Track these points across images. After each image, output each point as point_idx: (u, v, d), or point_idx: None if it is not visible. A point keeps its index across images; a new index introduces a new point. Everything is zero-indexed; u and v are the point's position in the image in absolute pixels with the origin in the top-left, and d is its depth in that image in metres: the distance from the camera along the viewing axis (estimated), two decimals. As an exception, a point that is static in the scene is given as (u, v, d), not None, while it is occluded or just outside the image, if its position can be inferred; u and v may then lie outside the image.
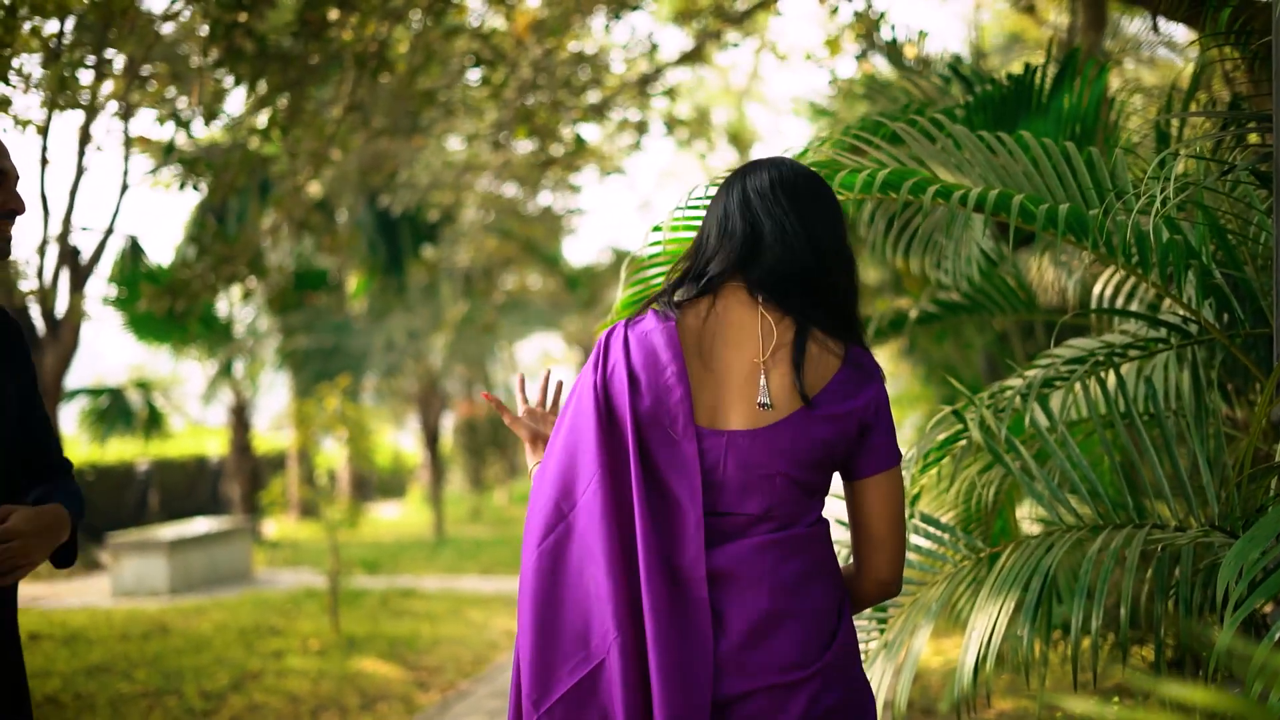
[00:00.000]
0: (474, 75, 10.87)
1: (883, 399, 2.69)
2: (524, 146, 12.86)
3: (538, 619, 2.66)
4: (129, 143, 18.48)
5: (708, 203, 3.84)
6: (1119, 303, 5.14)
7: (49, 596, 14.32)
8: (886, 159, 4.22)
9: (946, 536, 4.16)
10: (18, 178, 2.91)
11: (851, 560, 2.79)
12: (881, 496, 2.69)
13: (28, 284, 18.45)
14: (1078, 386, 4.38)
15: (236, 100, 14.22)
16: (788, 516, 2.62)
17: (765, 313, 2.66)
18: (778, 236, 2.67)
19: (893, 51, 9.59)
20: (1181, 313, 4.05)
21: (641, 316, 2.71)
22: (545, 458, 2.74)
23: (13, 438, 3.00)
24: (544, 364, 30.61)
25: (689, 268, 2.76)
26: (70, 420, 22.27)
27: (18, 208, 2.89)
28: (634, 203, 38.55)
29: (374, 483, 29.40)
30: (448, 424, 26.36)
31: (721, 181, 2.87)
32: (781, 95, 40.04)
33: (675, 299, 2.72)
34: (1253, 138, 4.36)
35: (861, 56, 11.38)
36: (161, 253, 46.69)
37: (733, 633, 2.57)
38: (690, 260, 2.77)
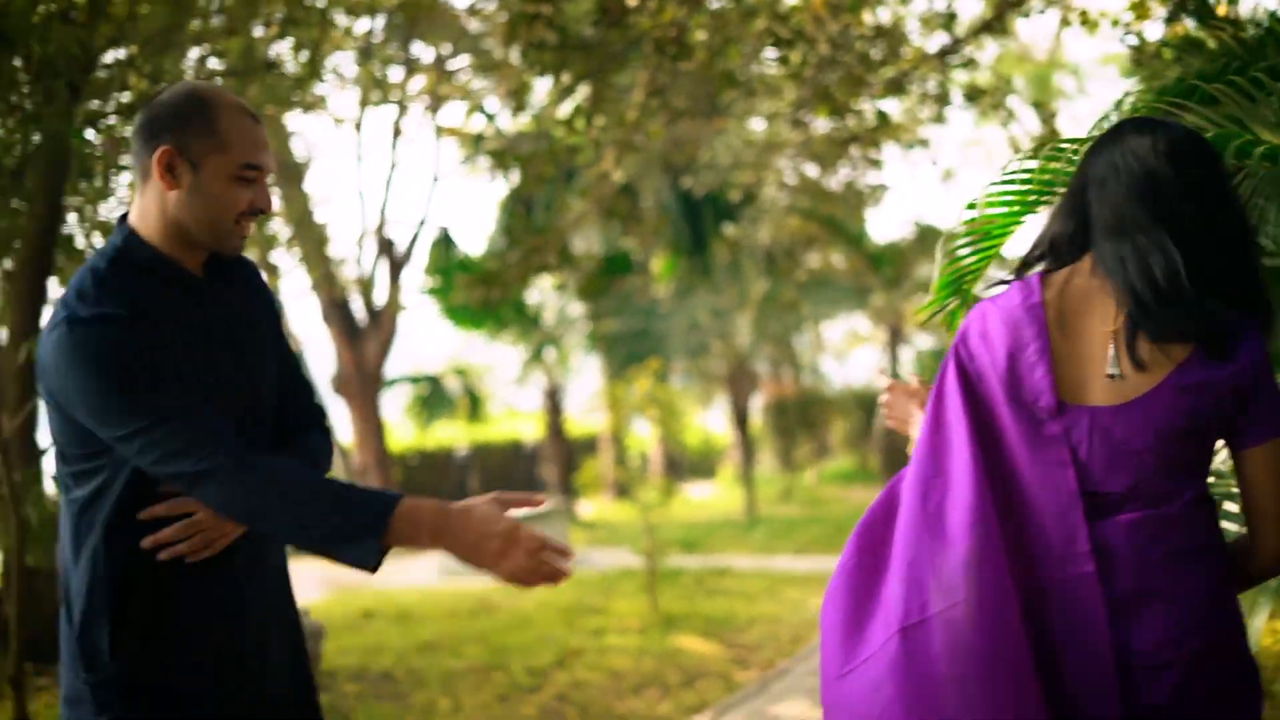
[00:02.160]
0: (772, 54, 10.86)
1: (1260, 362, 2.51)
2: (824, 124, 12.80)
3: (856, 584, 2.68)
4: (439, 135, 19.01)
5: (1024, 176, 3.74)
6: None
7: (380, 576, 14.91)
8: (1203, 122, 4.04)
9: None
10: (271, 172, 2.93)
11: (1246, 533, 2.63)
12: (1266, 467, 2.53)
13: (349, 275, 19.24)
14: None
15: (541, 90, 14.56)
16: (1157, 494, 2.53)
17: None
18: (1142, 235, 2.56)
19: (1203, 9, 9.21)
20: None
21: (1003, 292, 2.65)
22: (915, 449, 2.69)
23: (274, 386, 3.07)
24: (850, 343, 30.40)
25: (1052, 236, 2.69)
26: (394, 407, 23.13)
27: (265, 207, 2.90)
28: (937, 175, 37.82)
29: (684, 463, 29.68)
30: (756, 404, 26.39)
31: (1098, 137, 2.75)
32: (1087, 59, 38.88)
33: (1039, 269, 2.68)
34: None
35: (1171, 19, 10.98)
36: (472, 242, 47.88)
37: None
38: (1055, 227, 2.70)
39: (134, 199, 2.91)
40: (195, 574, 2.82)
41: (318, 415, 3.19)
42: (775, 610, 10.92)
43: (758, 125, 14.73)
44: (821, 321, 26.78)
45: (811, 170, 17.65)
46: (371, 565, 2.62)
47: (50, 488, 7.82)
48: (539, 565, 2.62)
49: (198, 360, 2.84)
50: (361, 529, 2.62)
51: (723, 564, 14.13)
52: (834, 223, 22.56)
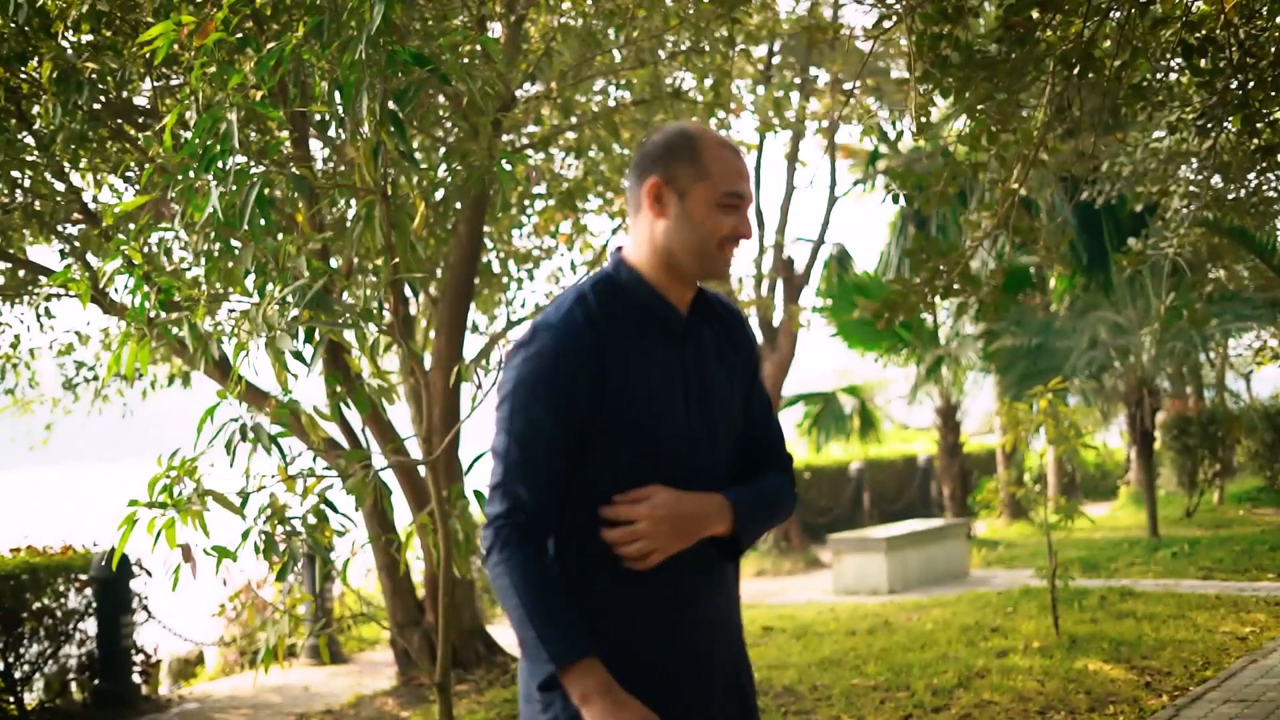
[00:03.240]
0: (1178, 62, 10.57)
1: None
2: (1232, 132, 12.34)
3: None
4: (834, 157, 19.13)
5: None
6: None
7: (778, 593, 15.09)
8: None
9: None
10: (751, 202, 3.08)
11: None
12: None
13: (746, 296, 19.57)
14: None
15: (937, 110, 14.50)
16: None
17: None
18: None
19: None
20: None
21: None
22: None
23: (736, 426, 3.20)
24: (1260, 359, 29.02)
25: None
26: (788, 425, 23.33)
27: (746, 234, 3.06)
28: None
29: (1079, 482, 28.94)
30: (1157, 422, 25.48)
31: None
32: None
33: None
34: None
35: None
36: (865, 261, 47.82)
37: None
38: None
39: (628, 233, 3.15)
40: (629, 587, 2.98)
41: (783, 460, 3.31)
42: (1184, 634, 10.59)
43: (1159, 134, 14.32)
44: (1228, 338, 25.66)
45: (1216, 180, 17.05)
46: (540, 687, 2.91)
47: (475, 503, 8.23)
48: None
49: (654, 386, 3.02)
50: (541, 662, 2.87)
51: (1126, 585, 13.77)
52: (1241, 234, 21.68)
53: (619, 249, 3.15)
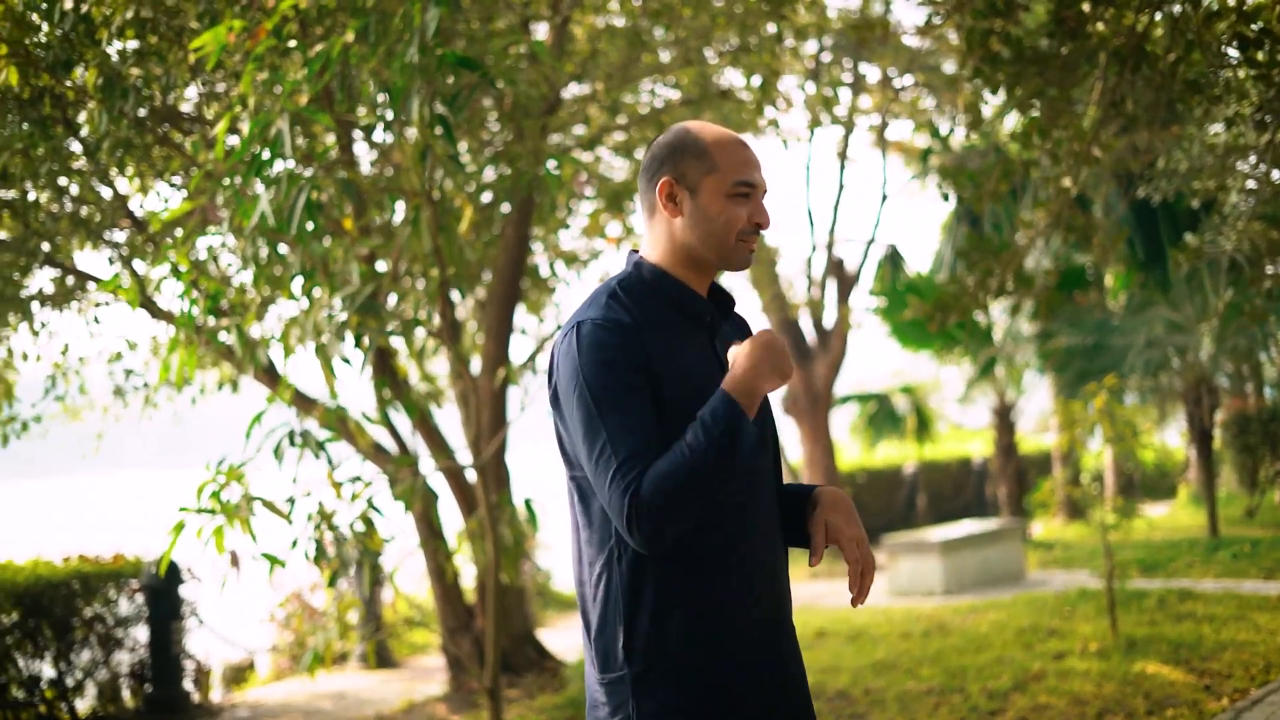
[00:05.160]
0: (1234, 55, 10.42)
1: None
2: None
3: None
4: (885, 152, 19.03)
5: None
6: None
7: (832, 595, 14.99)
8: None
9: None
10: (766, 191, 3.14)
11: None
12: None
13: (798, 296, 19.49)
14: None
15: (989, 106, 14.37)
16: None
17: None
18: None
19: None
20: None
21: None
22: None
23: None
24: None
25: None
26: (841, 426, 23.22)
27: (763, 223, 3.11)
28: None
29: (1138, 482, 28.66)
30: (1216, 421, 25.18)
31: None
32: None
33: None
34: None
35: None
36: (918, 260, 47.62)
37: None
38: None
39: (644, 236, 3.19)
40: (696, 580, 3.00)
41: None
42: (1245, 636, 10.42)
43: (1216, 129, 14.14)
44: (1290, 333, 25.35)
45: (1275, 174, 16.82)
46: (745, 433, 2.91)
47: (521, 508, 8.21)
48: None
49: (697, 376, 3.05)
50: (728, 431, 2.88)
51: (1185, 586, 13.58)
52: (1300, 228, 21.37)
53: (634, 250, 3.21)
